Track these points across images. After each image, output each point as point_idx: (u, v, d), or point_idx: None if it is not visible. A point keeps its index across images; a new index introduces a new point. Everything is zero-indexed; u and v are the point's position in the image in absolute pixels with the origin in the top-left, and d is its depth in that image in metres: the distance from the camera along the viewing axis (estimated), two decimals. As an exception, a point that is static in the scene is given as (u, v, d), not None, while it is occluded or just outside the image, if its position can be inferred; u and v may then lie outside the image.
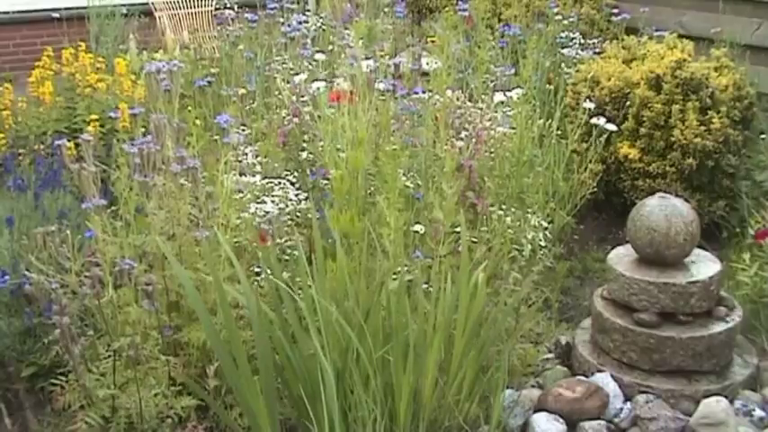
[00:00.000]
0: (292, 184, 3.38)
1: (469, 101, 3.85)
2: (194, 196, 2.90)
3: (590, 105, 3.84)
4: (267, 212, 2.94)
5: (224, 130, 3.12)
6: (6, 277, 3.07)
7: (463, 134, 3.39)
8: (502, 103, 3.77)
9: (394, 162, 2.77)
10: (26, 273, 2.84)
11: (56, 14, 7.47)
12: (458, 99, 3.70)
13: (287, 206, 3.13)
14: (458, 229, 2.86)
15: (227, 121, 3.12)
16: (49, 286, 2.72)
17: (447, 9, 5.68)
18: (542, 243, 3.31)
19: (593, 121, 3.80)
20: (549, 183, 3.67)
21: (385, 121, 3.30)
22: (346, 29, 4.51)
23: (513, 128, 3.59)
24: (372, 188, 3.17)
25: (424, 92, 3.65)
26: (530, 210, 3.40)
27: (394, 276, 2.62)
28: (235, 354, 2.49)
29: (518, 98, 3.74)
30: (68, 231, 2.80)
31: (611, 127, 3.84)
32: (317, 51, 4.41)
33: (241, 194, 3.06)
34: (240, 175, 3.17)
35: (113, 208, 3.03)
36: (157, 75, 3.02)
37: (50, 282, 2.74)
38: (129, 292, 2.79)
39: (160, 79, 3.02)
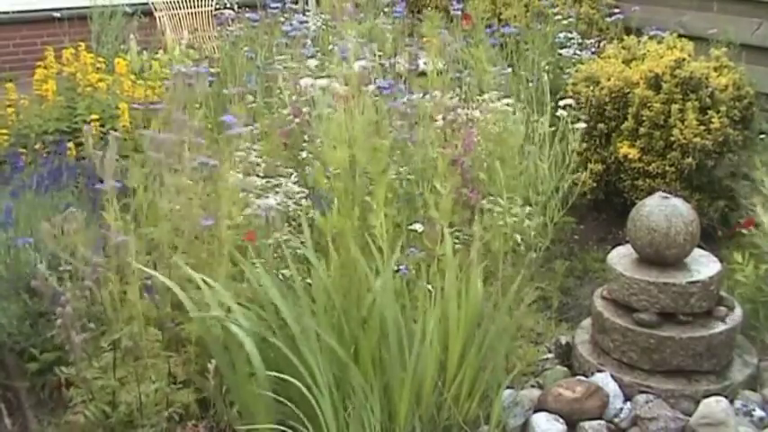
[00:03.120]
0: (294, 183, 3.39)
1: (464, 100, 3.85)
2: (198, 193, 2.92)
3: (569, 102, 3.78)
4: (269, 206, 2.94)
5: (229, 127, 3.14)
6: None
7: (454, 118, 3.38)
8: (497, 101, 3.77)
9: (381, 157, 2.76)
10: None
11: (56, 14, 7.47)
12: (452, 99, 3.70)
13: (288, 205, 3.14)
14: (455, 228, 2.87)
15: (232, 121, 3.14)
16: (53, 277, 2.74)
17: (436, 8, 5.68)
18: (533, 233, 3.31)
19: (561, 112, 3.74)
20: (544, 180, 3.66)
21: (380, 120, 3.30)
22: (346, 28, 4.50)
23: (506, 125, 3.58)
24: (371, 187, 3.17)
25: (425, 94, 3.65)
26: (521, 205, 3.40)
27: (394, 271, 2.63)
28: (232, 354, 2.49)
29: (512, 99, 3.73)
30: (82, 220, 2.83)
31: (581, 125, 3.80)
32: (310, 57, 4.41)
33: (244, 193, 3.07)
34: (246, 174, 3.18)
35: (124, 201, 3.04)
36: (186, 78, 3.08)
37: (58, 271, 2.75)
38: (133, 285, 2.79)
39: (187, 83, 3.08)
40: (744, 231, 3.37)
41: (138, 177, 2.94)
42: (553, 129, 3.73)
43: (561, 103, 3.72)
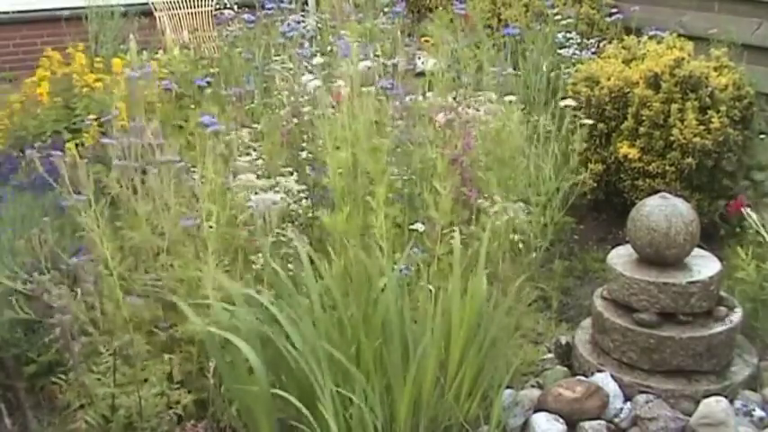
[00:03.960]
0: (295, 182, 3.39)
1: (465, 100, 3.84)
2: (181, 193, 2.92)
3: (572, 103, 3.78)
4: (267, 203, 2.94)
5: (207, 126, 3.12)
6: None
7: (454, 117, 3.38)
8: (497, 101, 3.76)
9: (381, 157, 2.76)
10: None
11: (56, 14, 7.47)
12: (453, 99, 3.69)
13: (288, 204, 3.13)
14: (454, 228, 2.86)
15: (210, 121, 3.13)
16: (46, 285, 2.73)
17: (443, 8, 5.66)
18: (532, 233, 3.31)
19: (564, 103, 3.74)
20: (543, 180, 3.65)
21: (381, 120, 3.30)
22: (345, 28, 4.50)
23: (506, 125, 3.57)
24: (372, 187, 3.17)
25: (424, 94, 3.64)
26: (524, 206, 3.40)
27: (394, 269, 2.62)
28: (230, 353, 2.49)
29: (514, 99, 3.72)
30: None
31: (588, 121, 3.80)
32: (311, 56, 4.40)
33: (239, 193, 3.06)
34: (236, 174, 3.17)
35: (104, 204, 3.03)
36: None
37: (48, 279, 2.75)
38: (117, 290, 2.79)
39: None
40: (749, 230, 3.37)
41: (114, 179, 2.94)
42: (554, 129, 3.73)
43: (562, 103, 3.72)
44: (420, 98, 3.62)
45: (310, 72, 4.01)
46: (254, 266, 2.93)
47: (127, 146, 2.89)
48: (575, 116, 3.72)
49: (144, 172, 2.95)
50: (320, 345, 2.47)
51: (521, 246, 3.27)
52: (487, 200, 3.24)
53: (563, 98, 3.85)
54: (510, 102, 3.60)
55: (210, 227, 2.80)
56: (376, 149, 2.75)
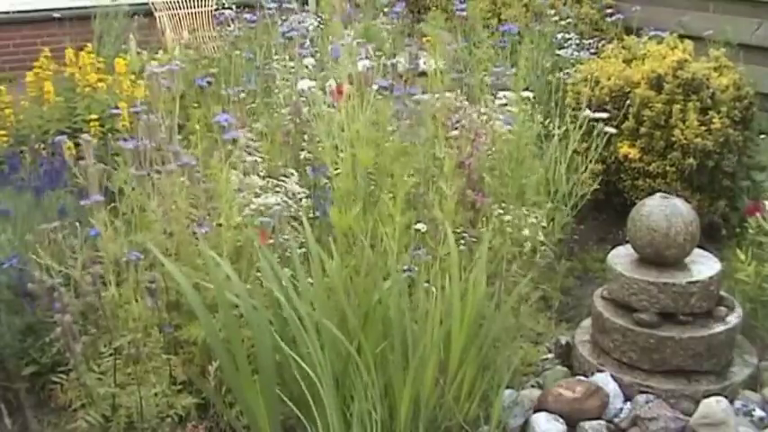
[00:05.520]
0: (296, 183, 3.39)
1: (467, 101, 3.84)
2: (193, 195, 2.91)
3: (590, 113, 3.80)
4: (270, 206, 2.94)
5: (224, 128, 3.11)
6: (14, 260, 3.07)
7: (461, 123, 3.38)
8: (504, 105, 3.76)
9: (401, 159, 2.77)
10: (29, 269, 2.86)
11: (56, 14, 7.48)
12: (456, 98, 3.69)
13: (289, 204, 3.13)
14: (459, 229, 2.87)
15: (227, 120, 3.12)
16: (52, 282, 2.73)
17: (437, 8, 5.67)
18: (542, 239, 3.31)
19: (588, 113, 3.74)
20: (548, 182, 3.66)
21: (383, 120, 3.30)
22: (346, 28, 4.50)
23: (511, 125, 3.57)
24: (373, 186, 3.17)
25: (424, 92, 3.64)
26: (528, 208, 3.40)
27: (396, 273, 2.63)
28: (234, 353, 2.49)
29: (517, 98, 3.73)
30: (76, 226, 2.82)
31: (611, 129, 3.81)
32: (307, 57, 4.40)
33: (243, 194, 3.06)
34: (244, 174, 3.18)
35: (113, 205, 3.03)
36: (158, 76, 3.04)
37: (53, 278, 2.74)
38: (130, 290, 2.80)
39: (161, 80, 3.04)
40: (750, 231, 3.37)
41: (122, 180, 2.94)
42: (560, 131, 3.73)
43: (595, 115, 3.72)
44: (424, 98, 3.61)
45: (308, 77, 4.00)
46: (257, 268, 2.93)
47: (142, 148, 2.88)
48: (573, 117, 3.72)
49: (158, 172, 2.94)
50: (324, 330, 2.47)
51: (527, 247, 3.27)
52: (497, 203, 3.24)
53: (563, 98, 3.84)
54: (523, 102, 3.60)
55: (220, 225, 2.81)
56: (404, 152, 2.76)
